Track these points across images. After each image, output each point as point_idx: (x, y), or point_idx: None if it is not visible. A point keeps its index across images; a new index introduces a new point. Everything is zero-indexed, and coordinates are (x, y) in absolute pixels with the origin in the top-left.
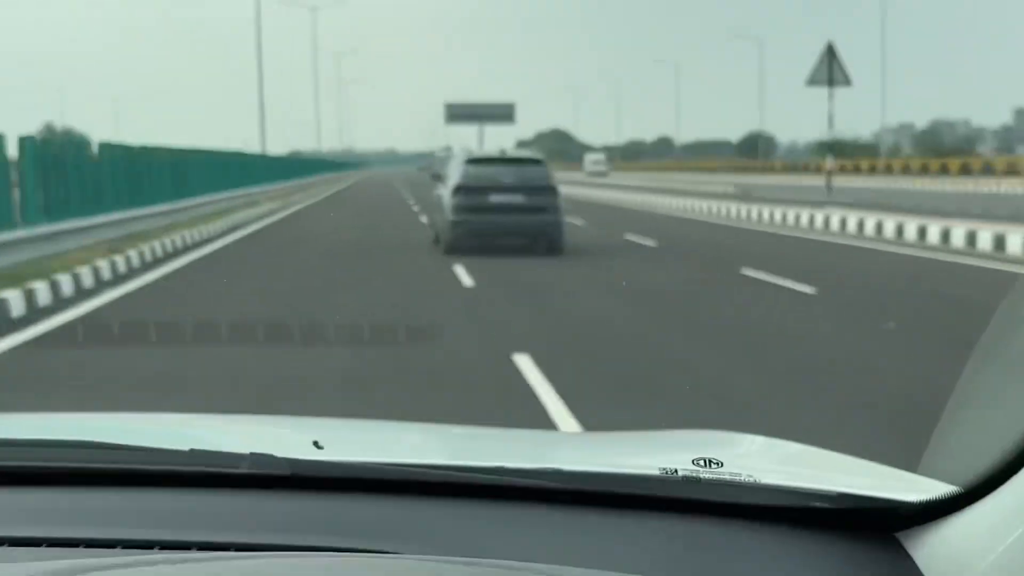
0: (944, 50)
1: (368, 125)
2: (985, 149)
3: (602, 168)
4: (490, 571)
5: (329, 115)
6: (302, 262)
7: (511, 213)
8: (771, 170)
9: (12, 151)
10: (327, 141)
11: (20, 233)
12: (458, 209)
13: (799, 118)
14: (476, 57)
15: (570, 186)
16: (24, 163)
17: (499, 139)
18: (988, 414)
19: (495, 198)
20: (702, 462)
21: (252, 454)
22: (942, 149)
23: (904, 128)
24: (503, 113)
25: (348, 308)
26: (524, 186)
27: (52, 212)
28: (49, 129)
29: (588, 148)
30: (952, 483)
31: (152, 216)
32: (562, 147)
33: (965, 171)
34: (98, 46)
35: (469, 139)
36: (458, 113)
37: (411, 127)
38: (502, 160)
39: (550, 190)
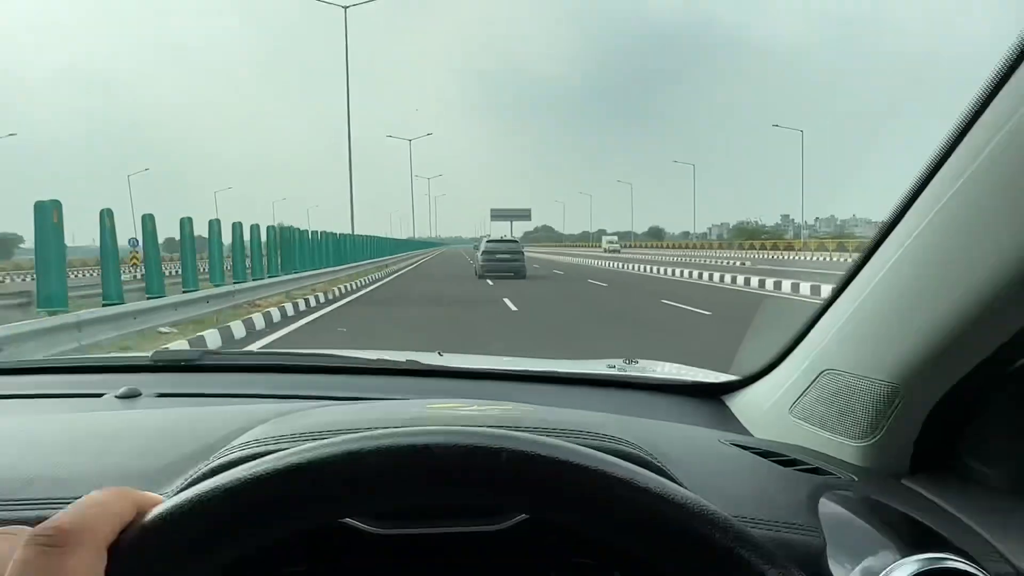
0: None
1: (445, 219)
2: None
3: (616, 247)
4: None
5: (421, 213)
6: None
7: (503, 260)
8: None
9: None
10: (421, 230)
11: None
12: (483, 258)
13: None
14: (508, 180)
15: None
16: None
17: (518, 230)
18: (769, 333)
19: (498, 255)
20: (625, 360)
21: (409, 360)
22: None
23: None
24: (524, 214)
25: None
26: (509, 251)
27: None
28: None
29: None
30: (751, 371)
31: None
32: (549, 234)
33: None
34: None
35: (503, 228)
36: (497, 214)
37: (468, 222)
38: (501, 240)
39: (521, 252)
